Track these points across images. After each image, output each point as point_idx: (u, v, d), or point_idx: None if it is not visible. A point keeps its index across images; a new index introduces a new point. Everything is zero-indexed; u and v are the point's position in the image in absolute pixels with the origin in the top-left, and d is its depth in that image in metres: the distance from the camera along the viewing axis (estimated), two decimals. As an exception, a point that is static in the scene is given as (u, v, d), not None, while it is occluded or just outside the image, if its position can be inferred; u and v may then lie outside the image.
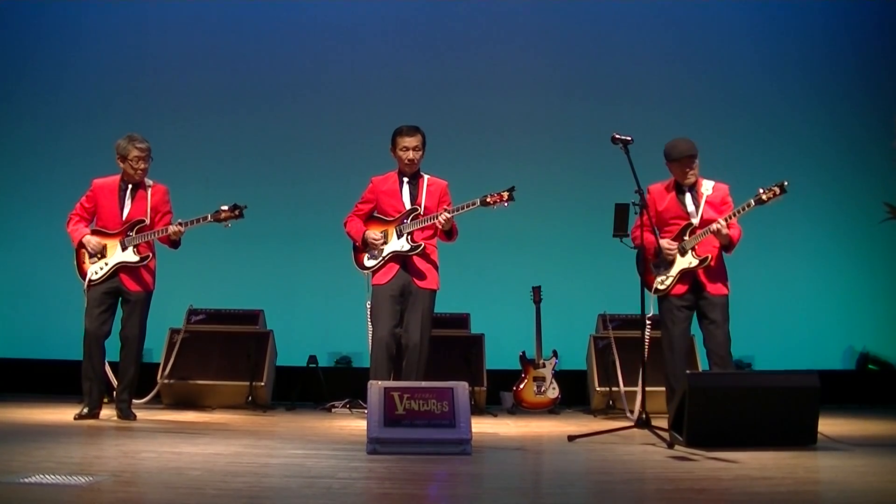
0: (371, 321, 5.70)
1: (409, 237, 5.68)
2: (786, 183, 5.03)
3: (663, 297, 5.43)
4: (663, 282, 5.41)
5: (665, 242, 5.40)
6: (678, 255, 5.38)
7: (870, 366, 7.71)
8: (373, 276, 5.73)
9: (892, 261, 7.88)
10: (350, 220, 5.86)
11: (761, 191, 5.09)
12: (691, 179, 5.43)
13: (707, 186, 5.45)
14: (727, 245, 5.34)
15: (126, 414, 5.67)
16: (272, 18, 8.17)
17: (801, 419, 4.60)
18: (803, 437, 4.61)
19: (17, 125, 7.99)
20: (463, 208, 5.55)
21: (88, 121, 7.67)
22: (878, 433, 5.56)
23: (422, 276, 5.67)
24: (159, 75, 8.04)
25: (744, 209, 5.20)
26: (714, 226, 5.24)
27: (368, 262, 5.74)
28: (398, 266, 5.68)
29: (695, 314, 5.44)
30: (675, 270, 5.39)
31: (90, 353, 5.64)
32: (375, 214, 5.83)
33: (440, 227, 5.60)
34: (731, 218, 5.24)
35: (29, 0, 8.13)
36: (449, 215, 5.56)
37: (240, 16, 8.17)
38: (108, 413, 5.80)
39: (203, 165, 7.79)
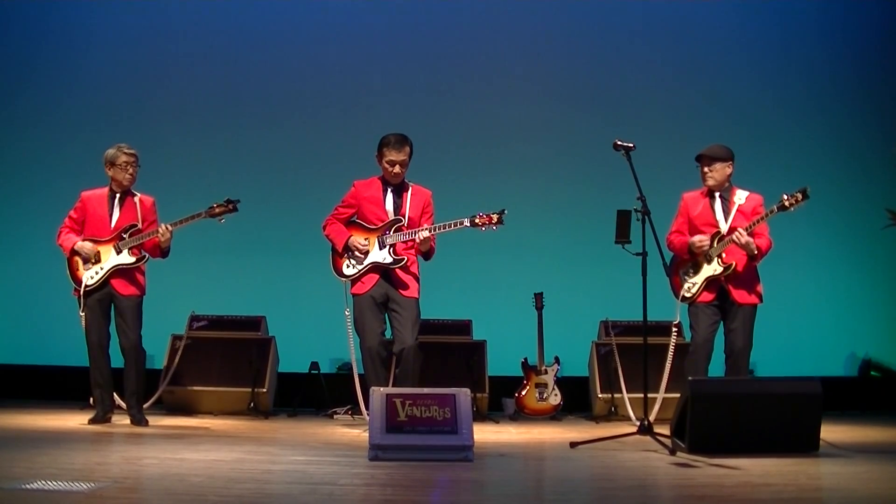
0: (357, 331, 5.68)
1: (391, 250, 5.65)
2: (808, 188, 5.11)
3: (691, 302, 5.51)
4: (689, 289, 5.53)
5: (697, 237, 5.50)
6: (704, 263, 5.47)
7: (872, 372, 7.69)
8: (352, 285, 5.71)
9: (893, 267, 7.88)
10: (330, 223, 5.82)
11: (785, 197, 5.18)
12: (709, 183, 5.57)
13: (741, 196, 5.57)
14: (751, 255, 5.40)
15: (138, 420, 5.72)
16: (277, 25, 8.17)
17: (803, 426, 4.60)
18: (805, 444, 4.60)
19: (19, 133, 7.99)
20: (450, 226, 5.54)
21: (92, 129, 7.67)
22: (880, 440, 5.56)
23: (404, 287, 5.65)
24: (162, 84, 8.04)
25: (767, 216, 5.30)
26: (734, 234, 5.33)
27: (348, 270, 5.71)
28: (378, 276, 5.66)
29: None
30: (701, 278, 5.51)
31: (97, 362, 5.74)
32: (356, 220, 5.79)
33: (417, 244, 5.58)
34: (752, 226, 5.34)
35: (32, 8, 8.15)
36: (428, 234, 5.53)
37: (245, 25, 8.17)
38: (118, 419, 5.83)
39: (206, 173, 7.80)
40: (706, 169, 5.56)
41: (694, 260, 5.61)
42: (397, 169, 5.65)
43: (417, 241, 5.56)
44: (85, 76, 8.07)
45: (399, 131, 5.74)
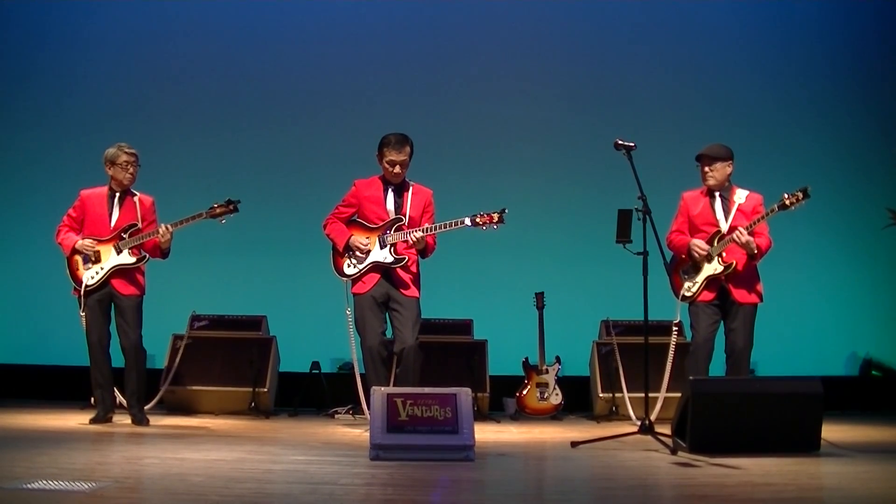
0: (358, 331, 5.69)
1: (392, 249, 5.66)
2: (809, 188, 5.11)
3: (691, 302, 5.50)
4: (689, 288, 5.53)
5: (697, 241, 5.48)
6: (705, 262, 5.47)
7: (873, 372, 7.69)
8: (353, 284, 5.72)
9: (894, 266, 7.88)
10: (331, 222, 5.82)
11: (785, 196, 5.18)
12: (710, 182, 5.57)
13: (741, 195, 5.58)
14: (751, 254, 5.40)
15: (139, 420, 5.73)
16: (277, 26, 8.18)
17: (804, 425, 4.60)
18: (806, 444, 4.60)
19: (20, 133, 8.00)
20: (451, 225, 5.55)
21: (92, 129, 7.67)
22: (881, 439, 5.56)
23: (405, 286, 5.66)
24: (162, 85, 8.05)
25: (767, 214, 5.30)
26: (734, 234, 5.33)
27: (349, 270, 5.71)
28: (379, 276, 5.66)
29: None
30: (701, 277, 5.50)
31: (97, 362, 5.75)
32: (357, 219, 5.79)
33: (412, 244, 5.59)
34: (753, 225, 5.34)
35: (33, 8, 8.15)
36: (421, 234, 5.54)
37: (245, 25, 8.17)
38: (119, 419, 5.84)
39: (206, 172, 7.80)
40: (707, 168, 5.56)
41: (693, 261, 5.60)
42: (397, 169, 5.66)
43: (410, 241, 5.57)
44: (85, 76, 8.08)
45: (400, 131, 5.74)
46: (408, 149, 5.67)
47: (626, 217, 5.34)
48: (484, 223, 5.49)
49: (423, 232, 5.55)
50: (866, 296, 7.81)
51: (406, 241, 5.63)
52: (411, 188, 5.78)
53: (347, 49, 8.11)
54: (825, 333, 7.64)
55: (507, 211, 5.50)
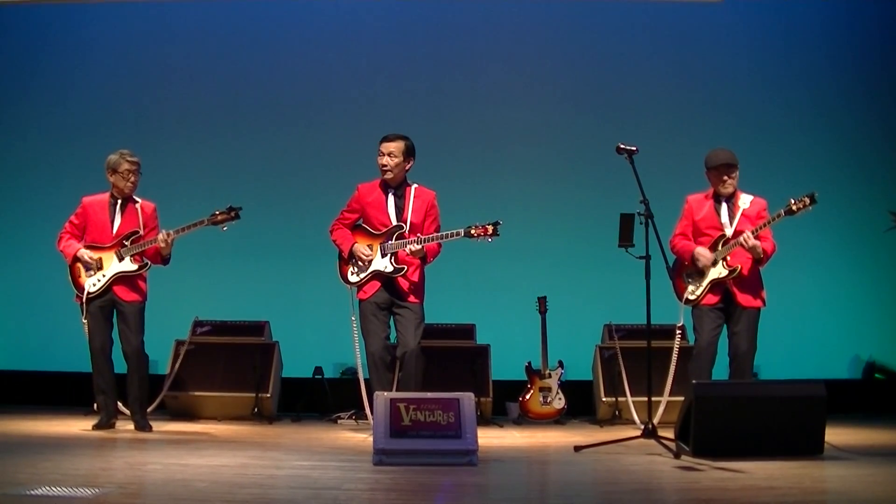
0: (362, 336, 5.70)
1: (392, 258, 5.66)
2: (816, 194, 5.11)
3: (695, 305, 5.51)
4: (693, 291, 5.52)
5: (701, 249, 5.48)
6: (710, 267, 5.46)
7: (876, 375, 7.68)
8: (357, 290, 5.73)
9: (897, 269, 7.87)
10: (336, 227, 5.83)
11: (792, 201, 5.18)
12: (729, 189, 5.54)
13: (745, 200, 5.56)
14: (757, 258, 5.39)
15: (142, 426, 5.73)
16: (278, 30, 8.17)
17: (807, 429, 4.60)
18: (810, 447, 4.60)
19: (22, 136, 7.99)
20: (446, 237, 5.56)
21: (94, 133, 7.68)
22: (884, 442, 5.56)
23: (406, 294, 5.66)
24: (164, 89, 8.04)
25: (773, 220, 5.30)
26: (741, 238, 5.32)
27: (352, 278, 5.72)
28: (380, 284, 5.67)
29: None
30: (705, 281, 5.48)
31: (99, 369, 5.75)
32: (361, 224, 5.81)
33: (409, 254, 5.60)
34: (759, 230, 5.33)
35: (35, 13, 8.17)
36: (418, 246, 5.55)
37: (246, 30, 8.16)
38: (122, 425, 5.84)
39: (208, 177, 7.80)
40: (726, 177, 5.52)
41: (696, 268, 5.59)
42: (385, 160, 5.66)
43: (407, 252, 5.57)
44: (87, 81, 8.08)
45: (402, 134, 5.76)
46: (400, 143, 5.68)
47: (628, 221, 5.34)
48: (479, 235, 5.50)
49: (420, 243, 5.56)
50: (869, 298, 7.80)
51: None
52: (413, 191, 5.77)
53: (349, 53, 8.11)
54: (828, 337, 7.62)
55: (501, 223, 5.50)
